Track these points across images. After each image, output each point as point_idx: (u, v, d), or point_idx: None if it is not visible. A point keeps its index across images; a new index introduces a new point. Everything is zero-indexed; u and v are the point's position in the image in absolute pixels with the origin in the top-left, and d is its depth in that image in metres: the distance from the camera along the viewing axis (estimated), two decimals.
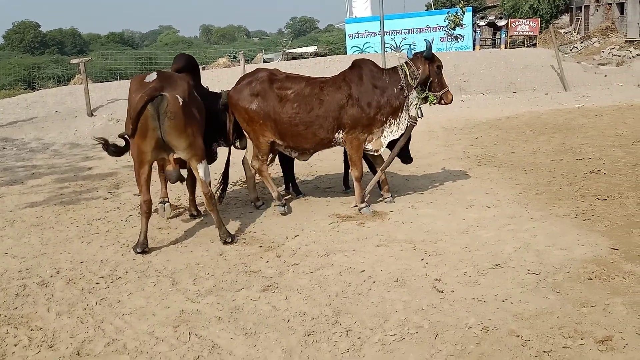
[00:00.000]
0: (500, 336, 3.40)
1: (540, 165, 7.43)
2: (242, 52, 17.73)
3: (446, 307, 3.79)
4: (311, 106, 5.76)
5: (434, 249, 4.80)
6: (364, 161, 6.23)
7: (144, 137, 4.89)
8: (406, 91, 5.87)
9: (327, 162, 8.29)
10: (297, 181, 6.98)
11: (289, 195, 6.75)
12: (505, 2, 29.96)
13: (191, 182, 6.11)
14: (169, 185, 6.27)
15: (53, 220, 6.37)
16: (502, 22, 22.46)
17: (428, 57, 5.87)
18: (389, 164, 6.15)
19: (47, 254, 5.28)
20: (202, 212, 6.19)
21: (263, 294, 4.17)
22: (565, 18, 30.13)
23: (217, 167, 7.61)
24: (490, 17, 23.32)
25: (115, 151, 5.50)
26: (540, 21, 24.60)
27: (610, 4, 26.21)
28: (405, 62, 5.97)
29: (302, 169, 7.96)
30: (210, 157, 6.19)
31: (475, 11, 24.35)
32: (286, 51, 30.20)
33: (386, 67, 6.36)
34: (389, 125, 5.92)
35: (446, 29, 21.66)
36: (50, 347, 3.62)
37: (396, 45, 22.36)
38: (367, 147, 5.98)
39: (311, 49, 30.75)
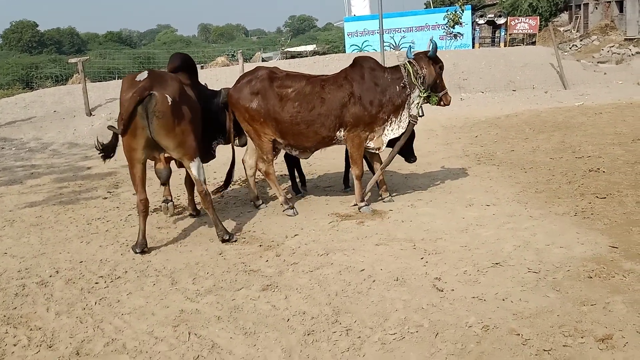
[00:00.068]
0: (501, 335, 3.40)
1: (539, 164, 7.43)
2: (241, 51, 17.69)
3: (446, 306, 3.78)
4: (313, 104, 5.74)
5: (433, 248, 4.80)
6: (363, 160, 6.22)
7: (134, 135, 4.90)
8: (408, 89, 5.87)
9: (326, 161, 8.29)
10: (296, 180, 6.97)
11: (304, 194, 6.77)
12: (505, 0, 29.90)
13: (190, 181, 6.09)
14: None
15: (52, 220, 6.36)
16: (501, 20, 22.44)
17: (432, 57, 5.87)
18: (389, 163, 6.15)
19: (46, 253, 5.28)
20: (201, 212, 6.18)
21: (263, 293, 4.17)
22: (564, 16, 30.08)
23: (217, 167, 7.62)
24: (490, 15, 23.28)
25: (106, 154, 5.50)
26: (540, 19, 24.53)
27: (610, 2, 26.17)
28: (409, 61, 5.96)
29: (302, 169, 7.94)
30: (210, 155, 6.19)
31: (474, 9, 24.27)
32: (285, 50, 30.14)
33: (387, 66, 6.34)
34: (391, 123, 5.91)
35: (445, 27, 21.62)
36: (50, 347, 3.62)
37: (395, 43, 22.35)
38: (368, 145, 5.97)
39: (310, 47, 30.72)
